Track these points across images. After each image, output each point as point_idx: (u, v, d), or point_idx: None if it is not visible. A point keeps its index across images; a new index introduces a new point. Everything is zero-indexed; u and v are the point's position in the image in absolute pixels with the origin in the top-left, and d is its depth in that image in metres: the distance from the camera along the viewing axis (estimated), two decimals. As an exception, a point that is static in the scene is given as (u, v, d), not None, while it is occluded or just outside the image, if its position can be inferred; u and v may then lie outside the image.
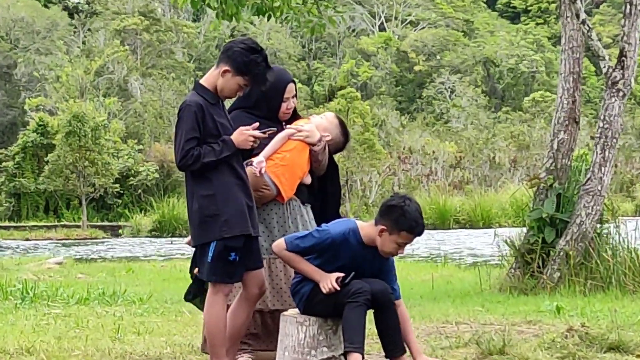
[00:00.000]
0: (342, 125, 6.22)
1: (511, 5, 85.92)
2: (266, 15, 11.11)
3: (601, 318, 7.55)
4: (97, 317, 8.39)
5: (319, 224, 5.74)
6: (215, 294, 5.27)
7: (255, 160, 5.72)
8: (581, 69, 10.66)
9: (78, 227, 39.57)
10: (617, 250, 10.27)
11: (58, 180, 41.17)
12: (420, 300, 10.01)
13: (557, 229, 10.26)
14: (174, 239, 33.03)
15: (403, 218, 5.27)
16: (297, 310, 5.53)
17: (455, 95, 67.55)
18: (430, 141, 53.29)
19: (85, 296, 10.10)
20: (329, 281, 5.33)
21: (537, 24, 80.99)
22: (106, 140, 42.22)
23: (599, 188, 10.04)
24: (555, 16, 73.10)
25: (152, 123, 52.10)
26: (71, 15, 64.12)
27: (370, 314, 5.39)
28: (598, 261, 10.05)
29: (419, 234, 5.36)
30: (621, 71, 10.10)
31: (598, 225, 10.22)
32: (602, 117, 10.19)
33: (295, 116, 6.17)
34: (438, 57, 71.67)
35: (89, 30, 62.22)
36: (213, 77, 5.35)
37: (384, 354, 5.49)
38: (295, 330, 5.39)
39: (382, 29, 75.71)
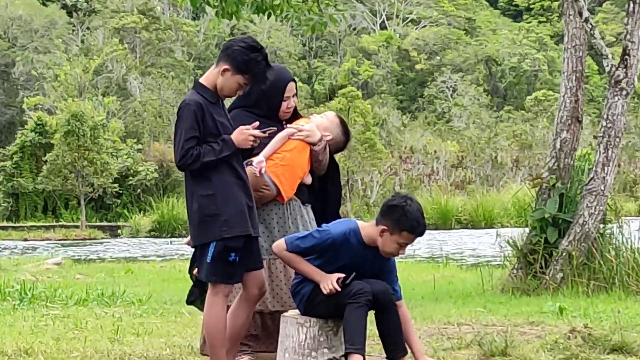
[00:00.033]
0: (343, 125, 6.19)
1: (513, 3, 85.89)
2: (266, 13, 11.07)
3: (604, 319, 7.55)
4: (96, 318, 8.37)
5: (319, 224, 5.72)
6: (215, 294, 5.25)
7: (255, 160, 5.69)
8: (584, 67, 10.64)
9: (77, 227, 39.57)
10: (620, 250, 10.25)
11: (56, 180, 41.17)
12: (421, 301, 9.99)
13: (560, 229, 10.25)
14: (173, 239, 32.99)
15: (404, 218, 5.26)
16: (297, 311, 5.51)
17: (457, 94, 67.58)
18: (431, 140, 53.29)
19: (84, 297, 10.07)
20: (329, 282, 5.31)
21: (540, 22, 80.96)
22: (105, 140, 42.21)
23: (602, 188, 10.02)
24: (557, 14, 73.06)
25: (151, 122, 52.13)
26: (70, 14, 64.14)
27: (371, 315, 5.37)
28: (601, 262, 10.04)
29: (421, 234, 5.34)
30: (624, 70, 10.08)
31: (601, 226, 10.20)
32: (605, 116, 10.17)
33: (295, 115, 6.14)
34: (439, 55, 71.69)
35: (88, 28, 62.25)
36: (213, 75, 5.33)
37: (385, 355, 5.47)
38: (295, 331, 5.38)
39: (383, 27, 75.76)
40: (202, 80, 5.37)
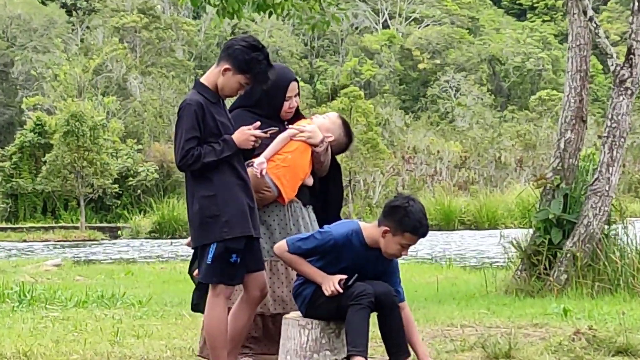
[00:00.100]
0: (346, 126, 6.16)
1: (517, 2, 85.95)
2: (267, 12, 11.04)
3: (609, 321, 7.53)
4: (96, 320, 8.36)
5: (320, 226, 5.71)
6: (216, 296, 5.23)
7: (256, 161, 5.68)
8: (588, 67, 10.62)
9: (76, 228, 39.58)
10: (625, 251, 10.24)
11: (56, 181, 41.19)
12: (424, 302, 9.99)
13: (564, 230, 10.22)
14: (173, 240, 33.01)
15: (407, 219, 5.24)
16: (299, 313, 5.50)
17: (460, 94, 67.62)
18: (434, 141, 53.27)
19: (83, 299, 10.08)
20: (331, 283, 5.29)
21: (544, 21, 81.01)
22: (105, 140, 42.22)
23: (607, 188, 9.98)
24: (562, 13, 73.14)
25: (151, 122, 52.14)
26: (69, 13, 64.21)
27: (373, 317, 5.36)
28: (606, 263, 10.02)
29: (423, 235, 5.32)
30: (629, 69, 10.05)
31: (606, 226, 10.18)
32: (609, 116, 10.15)
33: (297, 115, 6.12)
34: (443, 55, 71.72)
35: (87, 27, 62.29)
36: (214, 75, 5.32)
37: (387, 357, 5.44)
38: (297, 333, 5.35)
39: (385, 26, 75.86)
40: (202, 79, 5.36)
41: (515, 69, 71.94)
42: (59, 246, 31.47)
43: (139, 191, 44.85)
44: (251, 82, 5.29)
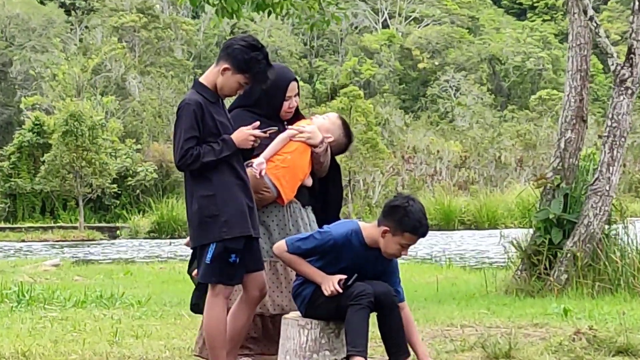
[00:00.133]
0: (345, 126, 6.15)
1: (517, 1, 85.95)
2: (267, 11, 11.03)
3: (609, 321, 7.53)
4: (95, 320, 8.35)
5: (320, 226, 5.69)
6: (216, 296, 5.22)
7: (255, 161, 5.67)
8: (589, 66, 10.62)
9: (75, 228, 39.59)
10: (625, 251, 10.24)
11: (55, 181, 41.17)
12: (424, 302, 9.99)
13: (564, 230, 10.22)
14: (172, 240, 33.01)
15: (406, 219, 5.23)
16: (298, 313, 5.49)
17: (460, 93, 67.63)
18: (434, 140, 53.30)
19: (82, 299, 10.06)
20: (331, 283, 5.28)
21: (544, 20, 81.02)
22: (104, 140, 42.22)
23: (607, 188, 9.98)
24: (562, 13, 73.17)
25: (150, 122, 52.14)
26: (68, 12, 64.16)
27: (373, 317, 5.35)
28: (606, 263, 10.02)
29: (423, 235, 5.31)
30: (630, 69, 10.04)
31: (606, 226, 10.18)
32: (610, 116, 10.14)
33: (297, 115, 6.11)
34: (442, 54, 71.73)
35: (86, 27, 62.24)
36: (213, 75, 5.31)
37: (387, 357, 5.43)
38: (296, 333, 5.35)
39: (385, 25, 75.87)
40: (202, 79, 5.35)
41: (515, 68, 71.94)
42: (57, 246, 31.46)
43: (137, 191, 44.85)
44: (250, 82, 5.27)
